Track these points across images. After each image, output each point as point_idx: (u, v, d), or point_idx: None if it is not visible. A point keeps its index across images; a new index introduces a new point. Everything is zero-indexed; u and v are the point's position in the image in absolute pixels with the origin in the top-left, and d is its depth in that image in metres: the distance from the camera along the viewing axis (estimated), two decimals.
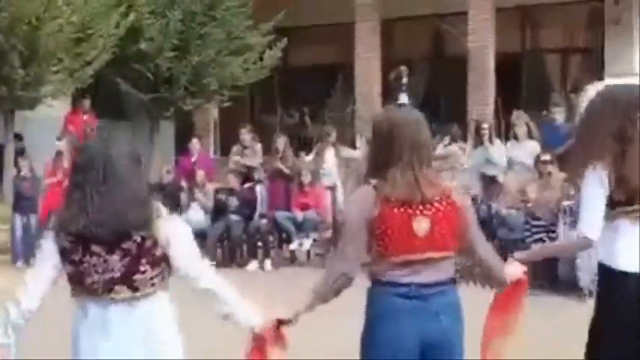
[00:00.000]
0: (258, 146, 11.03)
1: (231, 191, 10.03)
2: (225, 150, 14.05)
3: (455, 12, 13.32)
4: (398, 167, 2.72)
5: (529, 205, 8.07)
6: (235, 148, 11.13)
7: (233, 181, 10.25)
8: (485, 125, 9.87)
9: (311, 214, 9.72)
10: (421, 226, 2.70)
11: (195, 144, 11.42)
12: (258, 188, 10.05)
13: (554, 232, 7.70)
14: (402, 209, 2.69)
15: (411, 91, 13.62)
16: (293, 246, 9.60)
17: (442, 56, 15.08)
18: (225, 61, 11.97)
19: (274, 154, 10.36)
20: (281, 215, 9.72)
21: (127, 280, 2.58)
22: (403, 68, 13.51)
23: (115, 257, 2.57)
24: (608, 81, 11.65)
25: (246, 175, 10.58)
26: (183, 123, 14.36)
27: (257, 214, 9.78)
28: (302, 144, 14.33)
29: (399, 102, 13.14)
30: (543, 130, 10.00)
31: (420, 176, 2.73)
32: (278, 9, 12.25)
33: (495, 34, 12.81)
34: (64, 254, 2.59)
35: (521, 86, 14.13)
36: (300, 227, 9.64)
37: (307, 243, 9.57)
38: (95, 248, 2.56)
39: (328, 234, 9.67)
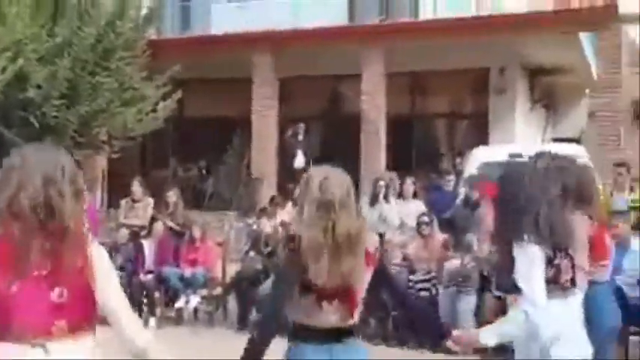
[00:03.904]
0: (150, 200, 10.72)
1: (114, 246, 9.66)
2: (113, 203, 13.61)
3: (350, 74, 13.65)
4: None
5: (408, 262, 8.26)
6: (124, 202, 10.76)
7: (121, 236, 9.90)
8: (381, 183, 9.97)
9: (200, 271, 9.48)
10: None
11: None
12: (146, 243, 9.75)
13: (435, 286, 7.90)
14: None
15: (307, 148, 13.79)
16: (179, 303, 9.29)
17: (337, 115, 15.36)
18: (116, 111, 11.68)
19: (164, 209, 10.10)
20: (168, 271, 9.43)
21: None
22: (301, 125, 13.67)
23: None
24: (493, 146, 12.17)
25: (135, 231, 10.25)
26: None
27: (143, 269, 9.45)
28: (197, 198, 14.13)
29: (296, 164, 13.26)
30: (432, 194, 10.26)
31: None
32: (174, 61, 12.17)
33: (387, 97, 13.18)
34: None
35: (412, 147, 14.56)
36: (188, 284, 9.37)
37: (194, 300, 9.28)
38: None
39: (217, 291, 9.44)
